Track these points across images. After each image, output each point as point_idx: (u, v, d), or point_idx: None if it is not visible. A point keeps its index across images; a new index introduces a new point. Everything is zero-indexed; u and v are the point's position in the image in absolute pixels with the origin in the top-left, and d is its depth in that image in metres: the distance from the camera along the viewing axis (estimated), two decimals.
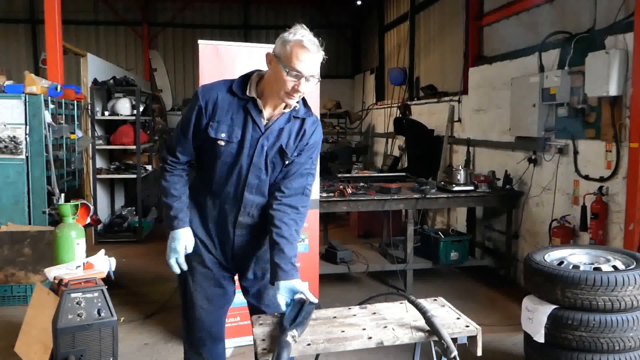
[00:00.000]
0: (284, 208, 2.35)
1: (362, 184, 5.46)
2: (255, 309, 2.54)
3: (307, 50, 2.10)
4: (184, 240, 2.37)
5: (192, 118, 2.27)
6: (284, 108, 2.28)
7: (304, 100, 2.35)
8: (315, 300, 2.24)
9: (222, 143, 2.24)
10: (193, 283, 2.49)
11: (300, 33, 2.12)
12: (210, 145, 2.27)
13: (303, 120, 2.33)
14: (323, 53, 2.16)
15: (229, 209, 2.38)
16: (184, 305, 2.57)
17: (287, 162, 2.32)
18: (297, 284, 2.30)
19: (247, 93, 2.24)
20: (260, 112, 2.25)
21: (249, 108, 2.24)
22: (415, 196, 5.09)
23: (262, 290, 2.55)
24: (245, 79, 2.29)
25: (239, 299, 3.98)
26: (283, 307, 2.22)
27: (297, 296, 2.32)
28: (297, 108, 2.30)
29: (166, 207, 2.37)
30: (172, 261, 2.38)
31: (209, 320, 2.52)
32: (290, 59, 2.10)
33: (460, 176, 5.34)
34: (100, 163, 7.33)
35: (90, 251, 4.19)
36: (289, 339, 1.99)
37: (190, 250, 2.40)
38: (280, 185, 2.36)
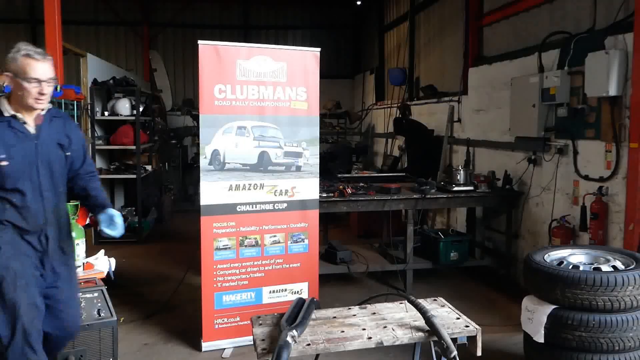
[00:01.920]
0: (87, 177, 2.86)
1: (362, 184, 5.47)
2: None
3: (36, 60, 2.46)
4: None
5: None
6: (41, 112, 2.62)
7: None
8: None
9: (4, 163, 2.45)
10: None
11: (24, 48, 2.47)
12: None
13: (62, 117, 2.78)
14: (51, 58, 2.54)
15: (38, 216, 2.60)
16: None
17: (67, 153, 2.69)
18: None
19: (5, 114, 2.51)
20: (24, 123, 2.55)
21: (13, 125, 2.52)
22: (415, 196, 5.09)
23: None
24: None
25: (239, 299, 3.98)
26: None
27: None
28: (50, 110, 2.66)
29: None
30: None
31: None
32: (25, 71, 2.45)
33: (460, 176, 5.34)
34: (100, 163, 7.34)
35: (90, 251, 4.20)
36: (288, 339, 1.99)
37: None
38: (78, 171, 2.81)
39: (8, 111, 2.51)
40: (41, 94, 2.48)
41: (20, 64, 2.44)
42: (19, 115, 2.52)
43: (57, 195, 2.67)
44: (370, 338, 2.08)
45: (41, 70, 2.47)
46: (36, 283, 2.56)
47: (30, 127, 2.56)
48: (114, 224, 2.76)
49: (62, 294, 2.67)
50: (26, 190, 2.53)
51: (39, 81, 2.46)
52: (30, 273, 2.55)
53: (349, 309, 2.40)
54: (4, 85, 5.14)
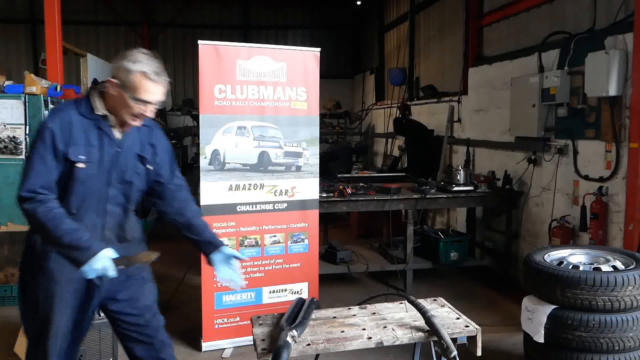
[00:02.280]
0: (181, 195, 2.49)
1: (362, 184, 5.47)
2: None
3: (152, 82, 2.15)
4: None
5: (48, 146, 2.13)
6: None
7: None
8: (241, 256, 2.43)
9: (82, 165, 2.17)
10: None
11: (141, 61, 2.15)
12: (68, 170, 2.18)
13: (150, 127, 2.42)
14: (166, 79, 2.21)
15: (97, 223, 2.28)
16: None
17: (148, 167, 2.37)
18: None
19: (96, 112, 2.22)
20: (112, 127, 2.26)
21: (101, 126, 2.23)
22: (415, 196, 5.09)
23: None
24: (88, 98, 2.26)
25: (239, 299, 3.98)
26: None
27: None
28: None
29: (67, 234, 2.09)
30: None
31: None
32: (136, 90, 2.14)
33: (460, 176, 5.34)
34: None
35: None
36: (288, 339, 1.99)
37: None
38: (165, 184, 2.45)
39: (100, 109, 2.22)
40: (142, 115, 2.20)
41: (134, 81, 2.13)
42: (110, 116, 2.23)
43: (124, 212, 2.34)
44: (370, 338, 2.08)
45: (154, 93, 2.17)
46: (80, 309, 2.28)
47: (118, 132, 2.27)
48: (231, 267, 2.38)
49: (130, 319, 2.39)
50: (90, 200, 2.23)
51: (147, 103, 2.17)
52: (74, 301, 2.26)
53: (349, 309, 2.40)
54: (3, 85, 5.15)
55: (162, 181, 2.43)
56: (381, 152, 10.15)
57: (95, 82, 2.34)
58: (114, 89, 2.16)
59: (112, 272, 2.10)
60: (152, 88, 2.16)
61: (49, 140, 2.12)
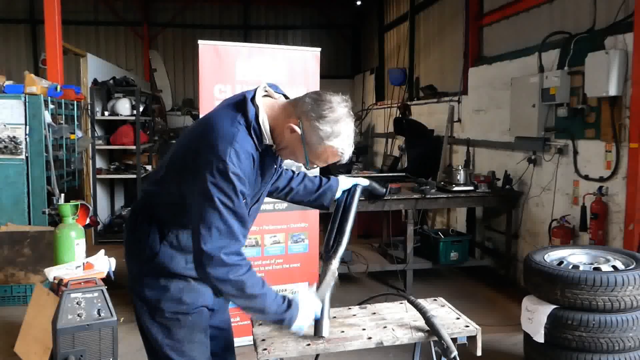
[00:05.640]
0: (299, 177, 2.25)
1: None
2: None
3: (338, 156, 1.80)
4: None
5: (240, 200, 1.73)
6: None
7: None
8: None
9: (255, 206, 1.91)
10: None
11: (343, 133, 1.74)
12: None
13: None
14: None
15: None
16: None
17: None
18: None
19: (265, 140, 1.79)
20: (274, 154, 1.88)
21: (266, 159, 1.85)
22: (415, 196, 5.09)
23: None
24: (257, 124, 1.78)
25: None
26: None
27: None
28: None
29: (271, 304, 1.92)
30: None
31: None
32: (317, 157, 1.80)
33: (460, 176, 5.34)
34: (100, 163, 7.34)
35: (90, 251, 4.19)
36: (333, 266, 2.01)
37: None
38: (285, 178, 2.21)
39: (269, 138, 1.79)
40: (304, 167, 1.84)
41: (321, 150, 1.76)
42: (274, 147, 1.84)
43: None
44: (370, 338, 2.08)
45: (328, 163, 1.84)
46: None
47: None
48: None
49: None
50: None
51: (317, 166, 1.85)
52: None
53: (349, 309, 2.40)
54: (3, 85, 5.14)
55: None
56: (381, 152, 10.15)
57: (251, 94, 1.82)
58: (292, 135, 1.76)
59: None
60: (333, 160, 1.82)
61: (239, 197, 1.71)
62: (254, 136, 1.74)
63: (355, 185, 2.26)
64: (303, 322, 1.91)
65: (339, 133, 1.74)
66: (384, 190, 2.36)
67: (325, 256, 2.10)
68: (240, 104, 1.78)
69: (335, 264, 2.06)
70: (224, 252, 1.70)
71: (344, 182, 2.27)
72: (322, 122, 1.72)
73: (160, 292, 1.90)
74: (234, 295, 1.79)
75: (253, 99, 1.79)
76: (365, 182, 2.29)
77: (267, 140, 1.78)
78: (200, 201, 1.69)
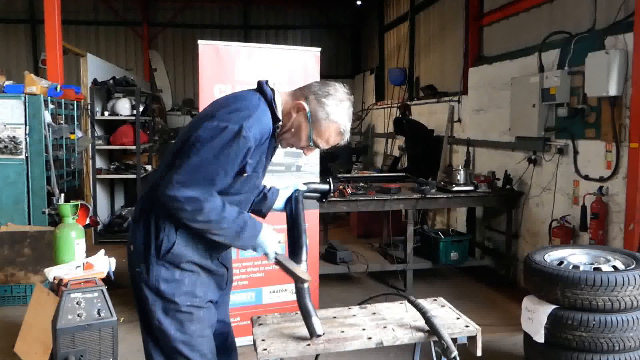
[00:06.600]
0: None
1: (362, 184, 5.46)
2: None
3: (340, 136, 2.00)
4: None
5: (239, 159, 1.88)
6: None
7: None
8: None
9: (246, 174, 1.97)
10: None
11: (348, 108, 1.97)
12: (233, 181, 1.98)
13: None
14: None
15: None
16: None
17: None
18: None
19: (280, 119, 1.99)
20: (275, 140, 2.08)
21: (271, 142, 2.03)
22: (415, 196, 5.09)
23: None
24: (273, 97, 1.98)
25: (239, 299, 3.97)
26: None
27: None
28: None
29: (236, 224, 1.98)
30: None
31: None
32: (321, 136, 1.98)
33: (460, 176, 5.34)
34: (100, 163, 7.34)
35: (90, 251, 4.19)
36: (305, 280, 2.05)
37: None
38: None
39: (281, 116, 1.99)
40: (302, 149, 2.05)
41: (324, 127, 1.95)
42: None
43: None
44: (370, 338, 2.08)
45: (330, 144, 2.02)
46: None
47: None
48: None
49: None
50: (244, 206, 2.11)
51: (319, 148, 2.03)
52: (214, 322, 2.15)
53: (349, 309, 2.40)
54: (3, 85, 5.14)
55: None
56: (381, 152, 10.15)
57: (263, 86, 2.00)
58: (299, 114, 1.96)
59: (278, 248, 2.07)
60: (334, 140, 2.01)
61: (242, 155, 1.87)
62: (270, 112, 1.93)
63: (296, 191, 2.35)
64: (267, 238, 2.09)
65: (344, 111, 1.97)
66: (327, 185, 2.42)
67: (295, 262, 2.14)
68: (259, 87, 2.00)
69: (303, 266, 2.11)
70: (191, 187, 1.82)
71: (284, 192, 2.37)
72: (329, 99, 1.95)
73: (176, 286, 1.97)
74: (189, 219, 1.88)
75: (267, 84, 2.00)
76: (303, 186, 2.38)
77: (280, 117, 1.96)
78: (194, 137, 1.86)
